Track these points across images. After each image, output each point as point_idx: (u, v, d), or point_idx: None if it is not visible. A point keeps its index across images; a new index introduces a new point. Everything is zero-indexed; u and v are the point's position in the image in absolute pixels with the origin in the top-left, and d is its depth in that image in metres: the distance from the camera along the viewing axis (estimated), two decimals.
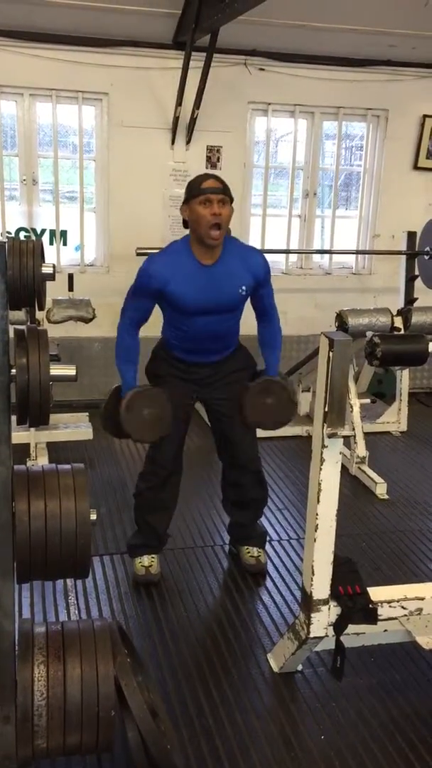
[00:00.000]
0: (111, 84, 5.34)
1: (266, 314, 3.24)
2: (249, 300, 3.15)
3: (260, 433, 4.73)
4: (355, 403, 4.49)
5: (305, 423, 5.27)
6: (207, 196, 2.90)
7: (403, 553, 3.72)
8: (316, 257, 6.22)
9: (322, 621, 2.49)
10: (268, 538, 3.64)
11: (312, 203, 6.12)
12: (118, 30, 5.15)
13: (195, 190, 2.94)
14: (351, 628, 2.51)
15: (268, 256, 6.05)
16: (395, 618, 2.55)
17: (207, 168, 5.65)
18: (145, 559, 3.36)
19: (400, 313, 4.87)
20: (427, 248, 5.21)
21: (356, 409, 4.49)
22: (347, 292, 6.08)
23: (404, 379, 5.37)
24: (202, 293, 2.98)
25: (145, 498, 3.33)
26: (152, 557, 3.37)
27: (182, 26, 5.05)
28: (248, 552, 3.47)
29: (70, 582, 3.28)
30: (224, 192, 2.94)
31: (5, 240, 2.13)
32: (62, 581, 3.26)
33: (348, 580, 2.52)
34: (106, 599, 3.21)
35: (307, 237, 6.17)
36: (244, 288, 3.04)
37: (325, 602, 2.48)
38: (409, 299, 5.40)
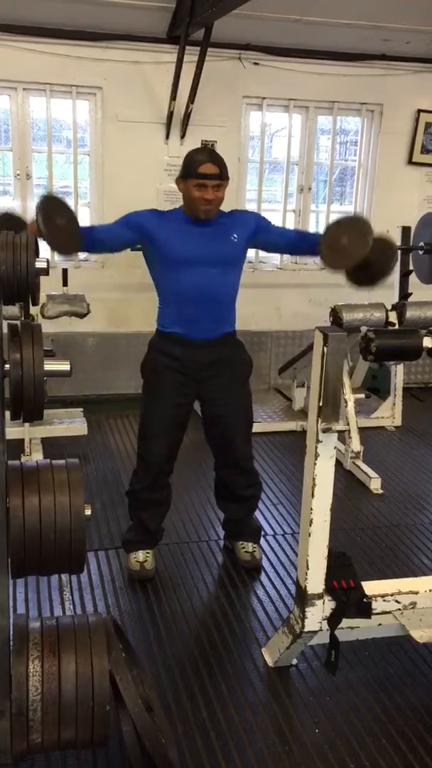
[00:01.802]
0: (105, 78, 5.32)
1: (288, 235, 3.41)
2: (263, 249, 3.26)
3: (255, 427, 4.74)
4: (350, 398, 4.48)
5: (300, 418, 5.28)
6: (202, 181, 2.91)
7: (397, 547, 3.74)
8: None
9: (317, 615, 2.50)
10: (262, 533, 3.65)
11: (307, 198, 6.12)
12: (112, 24, 5.13)
13: (191, 171, 2.94)
14: (345, 622, 2.51)
15: (263, 252, 6.09)
16: (389, 612, 2.56)
17: None
18: (140, 555, 3.36)
19: (394, 308, 4.86)
20: (422, 243, 5.20)
21: (351, 404, 4.48)
22: (342, 288, 5.97)
23: (399, 374, 5.37)
24: (190, 242, 3.02)
25: (137, 496, 3.33)
26: (147, 553, 3.37)
27: (176, 20, 5.04)
28: (243, 548, 3.47)
29: (64, 577, 3.27)
30: (220, 176, 2.95)
31: None
32: (57, 576, 3.25)
33: (342, 575, 2.53)
34: (101, 594, 3.21)
35: None
36: (236, 236, 3.06)
37: (320, 596, 2.49)
38: (404, 294, 5.40)
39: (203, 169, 2.91)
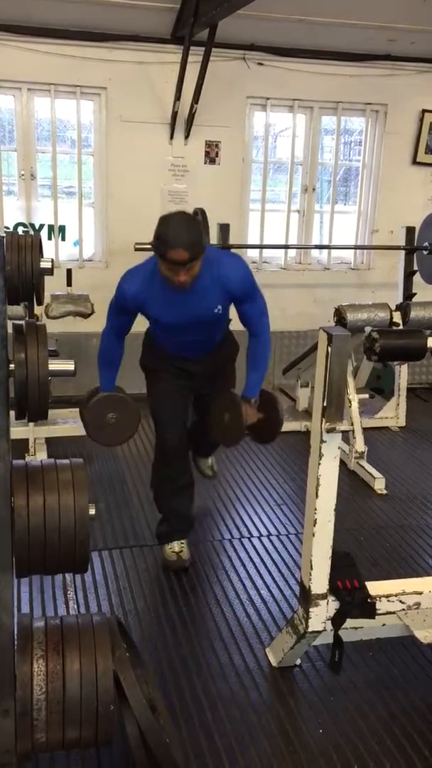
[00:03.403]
0: (109, 78, 5.33)
1: (251, 329, 3.15)
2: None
3: None
4: (354, 398, 4.49)
5: (304, 418, 5.28)
6: (172, 266, 2.78)
7: (401, 547, 3.73)
8: (315, 252, 6.21)
9: (321, 615, 2.49)
10: (258, 534, 3.76)
11: (311, 198, 6.11)
12: (116, 24, 5.14)
13: (160, 252, 2.77)
14: (349, 623, 2.51)
15: (267, 252, 6.12)
16: (393, 612, 2.56)
17: (205, 163, 5.64)
18: (176, 545, 3.40)
19: (398, 308, 4.86)
20: (426, 243, 5.20)
21: (355, 405, 4.48)
22: (346, 288, 6.08)
23: (403, 374, 5.37)
24: (178, 313, 2.99)
25: (163, 486, 3.39)
26: (182, 543, 3.42)
27: (181, 20, 5.04)
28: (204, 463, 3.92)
29: (69, 577, 3.28)
30: (192, 259, 2.76)
31: (3, 234, 2.13)
32: (61, 576, 3.26)
33: (346, 575, 2.53)
34: (105, 594, 3.22)
35: (305, 232, 6.16)
36: (219, 307, 3.03)
37: (324, 597, 2.49)
38: (408, 294, 5.40)
39: (173, 256, 2.72)
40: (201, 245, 2.79)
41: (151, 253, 2.95)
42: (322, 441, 2.35)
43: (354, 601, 2.49)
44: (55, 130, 5.41)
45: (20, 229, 5.45)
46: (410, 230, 5.39)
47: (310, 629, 2.50)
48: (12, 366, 1.94)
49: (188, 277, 2.81)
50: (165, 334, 3.19)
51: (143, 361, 3.36)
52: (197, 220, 2.89)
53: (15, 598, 1.99)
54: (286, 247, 6.03)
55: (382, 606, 2.53)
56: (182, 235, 2.73)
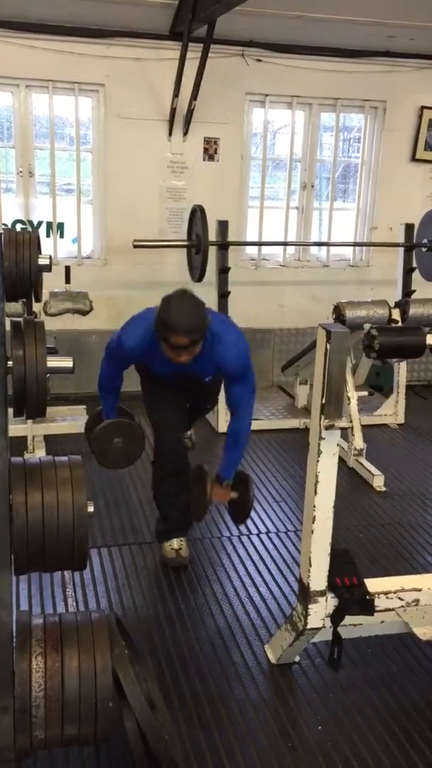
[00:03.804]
0: (107, 75, 5.32)
1: (234, 409, 3.13)
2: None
3: (258, 425, 4.75)
4: (353, 395, 4.49)
5: (302, 415, 5.28)
6: (172, 347, 2.81)
7: (400, 544, 3.73)
8: (314, 249, 6.21)
9: (320, 612, 2.49)
10: (257, 531, 3.77)
11: (309, 195, 6.11)
12: (114, 20, 5.12)
13: (163, 335, 2.78)
14: (348, 619, 2.51)
15: (266, 249, 6.12)
16: (392, 609, 2.56)
17: (204, 160, 5.63)
18: (175, 543, 3.42)
19: (397, 305, 4.86)
20: (425, 240, 5.20)
21: (354, 402, 4.49)
22: (345, 285, 6.07)
23: (402, 371, 5.37)
24: (172, 371, 3.03)
25: (163, 485, 3.40)
26: (181, 540, 3.43)
27: (179, 17, 5.03)
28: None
29: (67, 574, 3.28)
30: (193, 343, 2.79)
31: (1, 231, 2.12)
32: (60, 573, 3.26)
33: (345, 572, 2.53)
34: (104, 591, 3.22)
35: (304, 229, 6.16)
36: (211, 377, 3.11)
37: (323, 593, 2.49)
38: (407, 291, 5.39)
39: (175, 341, 2.76)
40: (203, 329, 2.80)
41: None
42: (321, 438, 2.34)
43: (353, 598, 2.49)
44: (53, 126, 5.40)
45: (18, 227, 5.44)
46: (409, 227, 5.38)
47: (309, 626, 2.50)
48: (10, 363, 1.93)
49: (189, 358, 2.85)
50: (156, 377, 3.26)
51: (139, 369, 3.39)
52: (200, 301, 2.82)
53: (14, 595, 1.99)
54: (284, 244, 6.03)
55: (380, 603, 2.53)
56: (185, 321, 2.74)
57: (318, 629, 2.53)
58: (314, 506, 2.42)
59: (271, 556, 3.55)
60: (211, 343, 2.92)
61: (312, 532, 2.44)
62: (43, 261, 2.58)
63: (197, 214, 4.96)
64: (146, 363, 3.15)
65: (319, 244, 6.19)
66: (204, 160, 5.64)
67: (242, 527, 3.82)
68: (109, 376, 3.25)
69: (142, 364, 3.20)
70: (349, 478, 4.47)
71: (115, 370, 3.22)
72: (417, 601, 2.57)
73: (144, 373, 3.35)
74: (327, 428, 2.32)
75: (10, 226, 5.42)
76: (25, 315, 3.88)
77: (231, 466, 3.18)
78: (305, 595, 2.50)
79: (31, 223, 5.47)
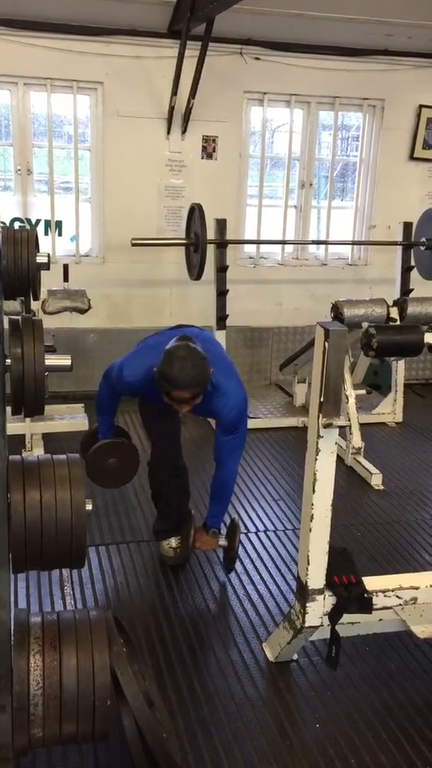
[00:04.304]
0: (106, 73, 5.31)
1: (220, 458, 3.13)
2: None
3: (256, 423, 4.74)
4: (351, 394, 4.49)
5: (301, 414, 5.28)
6: (173, 399, 2.83)
7: (398, 543, 3.74)
8: (312, 248, 6.21)
9: (318, 610, 2.50)
10: (255, 530, 3.77)
11: (308, 194, 6.10)
12: (113, 19, 5.11)
13: (164, 387, 2.79)
14: (346, 618, 2.52)
15: (264, 248, 6.11)
16: (390, 607, 2.56)
17: (202, 158, 5.62)
18: (173, 541, 3.43)
19: (395, 303, 4.86)
20: (423, 239, 5.20)
21: (352, 400, 4.49)
22: (343, 283, 6.07)
23: (400, 370, 5.37)
24: (168, 408, 3.00)
25: (160, 485, 3.42)
26: (179, 539, 3.43)
27: (177, 15, 5.02)
28: None
29: (66, 572, 3.28)
30: (194, 397, 2.80)
31: None
32: (58, 571, 3.26)
33: (343, 570, 2.53)
34: (102, 589, 3.22)
35: (302, 228, 6.15)
36: (202, 416, 3.16)
37: (321, 592, 2.49)
38: (405, 290, 5.40)
39: (176, 396, 2.78)
40: (205, 383, 2.79)
41: None
42: (319, 436, 2.35)
43: (351, 597, 2.49)
44: (51, 125, 5.39)
45: (16, 225, 5.43)
46: (407, 226, 5.39)
47: (306, 624, 2.51)
48: (8, 361, 1.94)
49: (189, 408, 2.88)
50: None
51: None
52: (202, 355, 2.78)
53: (12, 593, 1.99)
54: (283, 242, 6.03)
55: (378, 601, 2.53)
56: (187, 376, 2.73)
57: (316, 627, 2.53)
58: (312, 504, 2.42)
59: (269, 555, 3.55)
60: (211, 393, 2.93)
61: (310, 531, 2.45)
62: (41, 259, 2.58)
63: (196, 213, 4.95)
64: (146, 396, 3.19)
65: (318, 242, 6.19)
66: (202, 158, 5.63)
67: (240, 526, 3.82)
68: (106, 402, 3.31)
69: (141, 402, 3.30)
70: (347, 476, 4.47)
71: (114, 397, 3.27)
72: (415, 599, 2.57)
73: (142, 399, 3.37)
74: (325, 427, 2.32)
75: (8, 224, 5.41)
76: (24, 313, 3.86)
77: (217, 516, 3.26)
78: (303, 593, 2.50)
79: (29, 221, 5.46)
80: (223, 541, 3.27)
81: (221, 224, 5.09)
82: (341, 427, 2.36)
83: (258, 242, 5.93)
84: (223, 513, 3.28)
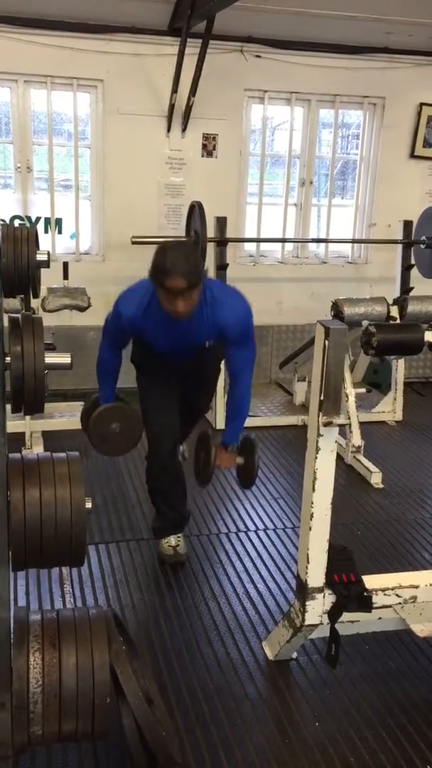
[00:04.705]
0: (106, 71, 5.30)
1: (234, 374, 3.11)
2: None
3: (256, 422, 4.74)
4: (351, 392, 4.47)
5: (301, 412, 5.28)
6: (170, 294, 2.77)
7: (397, 541, 3.74)
8: (312, 246, 6.20)
9: (317, 609, 2.50)
10: (255, 528, 3.78)
11: (308, 192, 6.10)
12: (113, 16, 5.11)
13: (158, 280, 2.76)
14: (346, 616, 2.52)
15: (265, 246, 6.11)
16: (390, 606, 2.56)
17: (202, 156, 5.62)
18: (172, 539, 3.42)
19: (396, 302, 4.86)
20: (424, 237, 5.20)
21: (351, 399, 4.47)
22: (343, 282, 6.07)
23: (400, 368, 5.37)
24: (171, 339, 3.00)
25: (158, 482, 3.40)
26: (178, 537, 3.43)
27: (178, 12, 5.01)
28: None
29: (65, 570, 3.28)
30: (189, 287, 2.73)
31: None
32: (58, 569, 3.26)
33: (343, 568, 2.53)
34: (102, 587, 3.22)
35: (303, 226, 6.15)
36: (211, 341, 3.03)
37: (320, 590, 2.49)
38: (405, 288, 5.39)
39: (170, 284, 2.71)
40: (199, 273, 2.78)
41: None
42: (319, 435, 2.34)
43: (350, 595, 2.49)
44: (51, 122, 5.39)
45: (16, 222, 5.43)
46: (408, 224, 5.38)
47: (306, 623, 2.51)
48: (8, 359, 1.93)
49: (187, 307, 2.79)
50: (155, 352, 3.18)
51: (134, 358, 3.35)
52: (195, 248, 2.85)
53: (12, 591, 1.99)
54: (283, 240, 6.02)
55: (378, 599, 2.53)
56: (180, 263, 2.72)
57: (315, 626, 2.53)
58: (312, 503, 2.42)
59: (268, 553, 3.55)
60: (212, 305, 2.90)
61: (310, 529, 2.45)
62: (41, 257, 2.57)
63: (196, 211, 4.95)
64: (146, 335, 3.05)
65: (318, 240, 6.19)
66: (202, 156, 5.63)
67: (240, 524, 3.83)
68: (107, 357, 3.21)
69: (141, 339, 3.11)
70: (346, 475, 4.47)
71: (114, 346, 3.17)
72: (414, 597, 2.57)
73: (141, 357, 3.28)
74: (325, 425, 2.32)
75: (8, 221, 5.40)
76: (23, 311, 3.86)
77: (235, 432, 3.17)
78: (303, 591, 2.50)
79: (29, 218, 5.46)
80: (239, 459, 3.19)
81: (221, 222, 5.08)
82: (341, 426, 2.35)
83: (258, 240, 5.93)
84: (240, 430, 3.18)
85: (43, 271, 2.75)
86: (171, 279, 2.71)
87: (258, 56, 5.52)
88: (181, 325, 2.90)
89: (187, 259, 2.77)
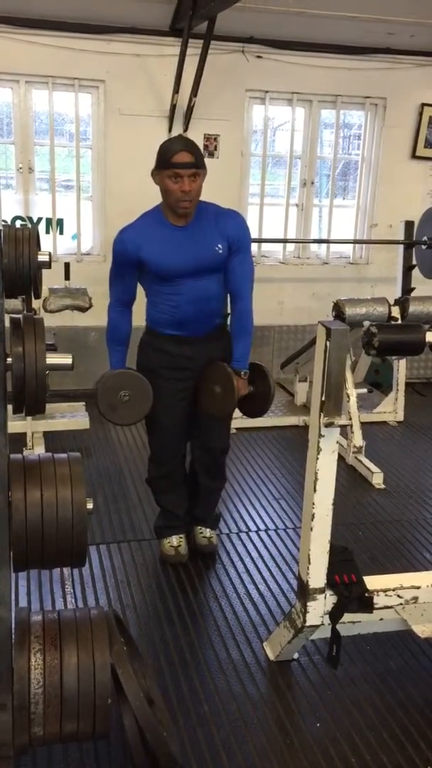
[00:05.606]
0: (108, 71, 5.30)
1: (235, 289, 3.09)
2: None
3: (256, 422, 4.73)
4: (352, 392, 4.48)
5: (302, 413, 5.28)
6: (176, 171, 2.85)
7: (399, 542, 3.73)
8: (314, 247, 6.21)
9: (318, 609, 2.50)
10: (256, 528, 3.73)
11: (309, 192, 6.10)
12: (115, 16, 5.11)
13: (165, 161, 2.88)
14: (347, 617, 2.51)
15: (266, 246, 6.11)
16: (391, 607, 2.56)
17: (204, 156, 5.61)
18: (174, 540, 3.41)
19: (397, 302, 4.85)
20: (425, 238, 5.19)
21: (353, 399, 4.47)
22: (344, 282, 6.07)
23: (401, 369, 5.36)
24: (177, 254, 2.97)
25: (160, 482, 3.39)
26: (180, 537, 3.42)
27: (179, 13, 5.02)
28: (201, 533, 3.50)
29: (66, 571, 3.28)
30: (196, 165, 2.88)
31: (0, 228, 2.11)
32: (59, 570, 3.26)
33: (344, 569, 2.53)
34: (103, 588, 3.22)
35: (304, 226, 6.15)
36: (220, 246, 2.99)
37: (322, 591, 2.49)
38: (407, 289, 5.39)
39: (177, 158, 2.84)
40: (203, 158, 2.95)
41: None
42: (320, 435, 2.34)
43: (352, 596, 2.49)
44: (52, 123, 5.39)
45: (18, 223, 5.43)
46: (409, 224, 5.38)
47: (307, 623, 2.50)
48: (9, 360, 1.93)
49: (194, 189, 2.88)
50: (165, 304, 3.06)
51: (140, 362, 3.25)
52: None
53: (13, 592, 1.99)
54: (284, 241, 6.02)
55: (379, 600, 2.53)
56: (185, 142, 2.95)
57: (317, 626, 2.53)
58: (313, 503, 2.42)
59: (270, 554, 3.55)
60: (215, 213, 3.04)
61: (311, 530, 2.45)
62: (42, 257, 2.57)
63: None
64: (149, 256, 2.97)
65: (319, 241, 6.19)
66: (204, 156, 5.63)
67: (241, 524, 3.83)
68: (117, 321, 3.13)
69: (146, 265, 3.01)
70: (348, 475, 4.47)
71: (122, 298, 3.11)
72: (416, 598, 2.57)
73: (149, 355, 3.17)
74: (326, 425, 2.32)
75: (9, 222, 5.41)
76: (25, 312, 3.87)
77: (244, 356, 3.11)
78: (304, 592, 2.50)
79: (30, 219, 5.47)
80: (250, 387, 3.12)
81: None
82: (342, 426, 2.35)
83: (259, 241, 5.92)
84: (248, 352, 3.12)
85: (44, 271, 2.75)
86: (179, 155, 2.85)
87: (259, 57, 5.52)
88: (188, 234, 2.96)
89: (190, 141, 2.99)
